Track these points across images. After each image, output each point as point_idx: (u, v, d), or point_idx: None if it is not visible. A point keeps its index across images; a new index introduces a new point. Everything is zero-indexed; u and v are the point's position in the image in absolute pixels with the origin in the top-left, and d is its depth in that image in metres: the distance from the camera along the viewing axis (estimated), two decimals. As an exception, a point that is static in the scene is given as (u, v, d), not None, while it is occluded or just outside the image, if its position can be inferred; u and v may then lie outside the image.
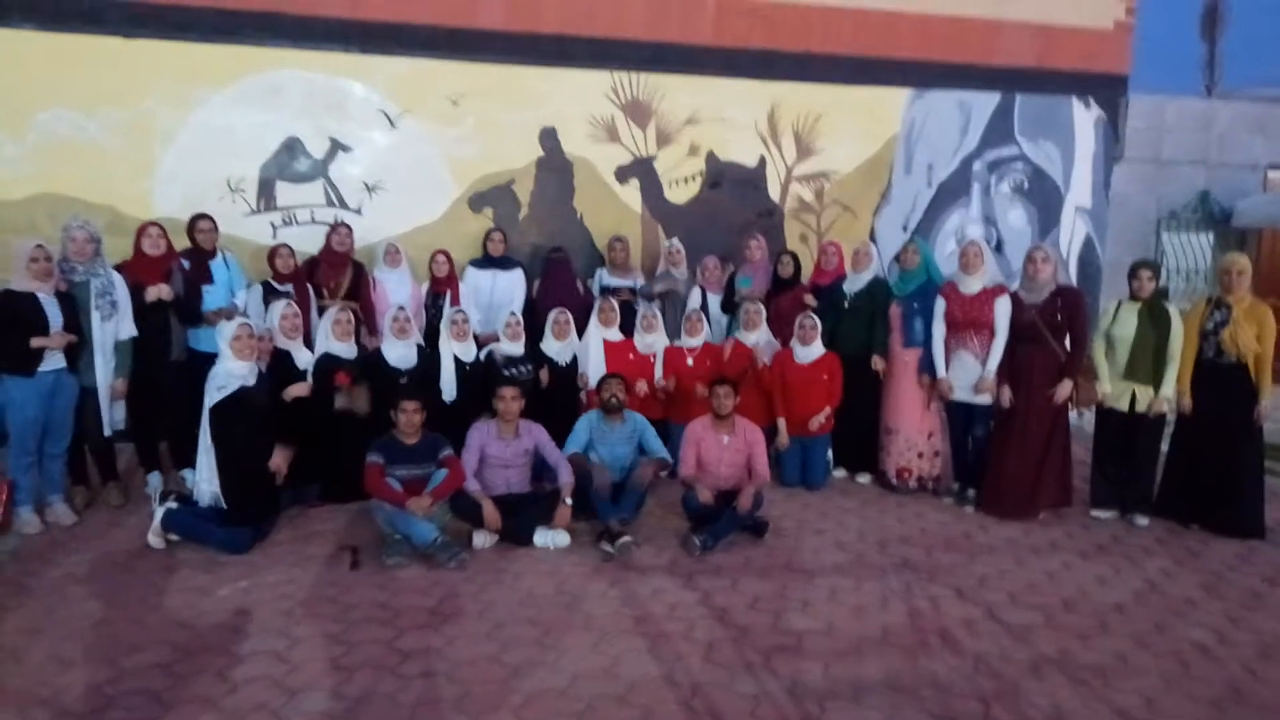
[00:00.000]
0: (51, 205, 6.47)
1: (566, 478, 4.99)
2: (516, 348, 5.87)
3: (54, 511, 4.94)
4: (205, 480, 4.72)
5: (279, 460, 4.90)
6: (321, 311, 5.89)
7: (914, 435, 5.85)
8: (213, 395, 4.69)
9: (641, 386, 6.01)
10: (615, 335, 6.24)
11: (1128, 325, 5.22)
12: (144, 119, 6.69)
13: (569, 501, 4.89)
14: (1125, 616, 4.05)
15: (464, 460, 4.90)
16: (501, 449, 5.04)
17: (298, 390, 5.18)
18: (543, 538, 4.77)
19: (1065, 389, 5.26)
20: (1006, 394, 5.32)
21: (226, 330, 4.78)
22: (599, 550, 4.70)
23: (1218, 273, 5.24)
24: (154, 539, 4.61)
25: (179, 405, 5.26)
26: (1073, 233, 8.66)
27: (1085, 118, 8.54)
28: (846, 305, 6.00)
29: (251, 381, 4.84)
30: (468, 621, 3.85)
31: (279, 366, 5.23)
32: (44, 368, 4.73)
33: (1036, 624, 3.95)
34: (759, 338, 6.15)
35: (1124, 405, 5.29)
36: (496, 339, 5.99)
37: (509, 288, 6.70)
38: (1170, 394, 5.20)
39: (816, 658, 3.58)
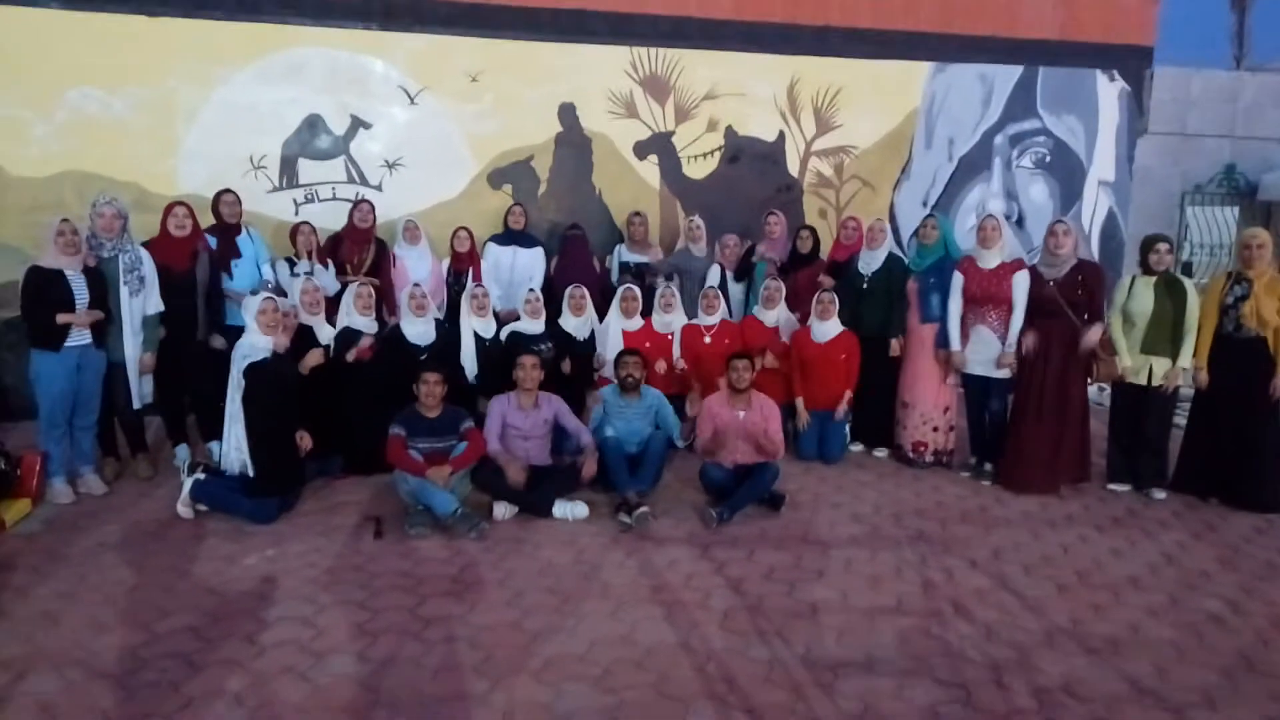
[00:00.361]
0: (79, 182, 6.58)
1: (588, 439, 5.13)
2: (537, 325, 5.92)
3: (85, 482, 5.07)
4: (234, 449, 4.82)
5: (305, 440, 4.98)
6: (343, 287, 5.97)
7: (929, 410, 5.87)
8: (239, 365, 4.79)
9: (660, 365, 6.06)
10: (636, 324, 6.26)
11: (1144, 300, 5.21)
12: (168, 97, 6.78)
13: (595, 455, 5.03)
14: (1139, 588, 4.08)
15: (486, 428, 4.98)
16: (521, 419, 5.11)
17: (312, 360, 5.24)
18: (561, 509, 4.85)
19: (1094, 335, 5.24)
20: (1031, 339, 5.29)
21: (252, 304, 4.86)
22: (617, 521, 4.77)
23: (1238, 247, 5.21)
24: (183, 509, 4.72)
25: (205, 380, 5.35)
26: (1095, 207, 8.59)
27: (1109, 90, 8.45)
28: (865, 286, 5.99)
29: (270, 353, 4.91)
30: (488, 590, 3.94)
31: (302, 341, 5.31)
32: (70, 343, 4.83)
33: (1050, 595, 3.98)
34: (778, 315, 6.18)
35: (1142, 379, 5.28)
36: (516, 316, 6.05)
37: (529, 264, 6.76)
38: (1187, 365, 5.19)
39: (830, 627, 3.64)
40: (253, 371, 4.75)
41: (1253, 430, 5.11)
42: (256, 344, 4.83)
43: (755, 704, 3.06)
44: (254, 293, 5.19)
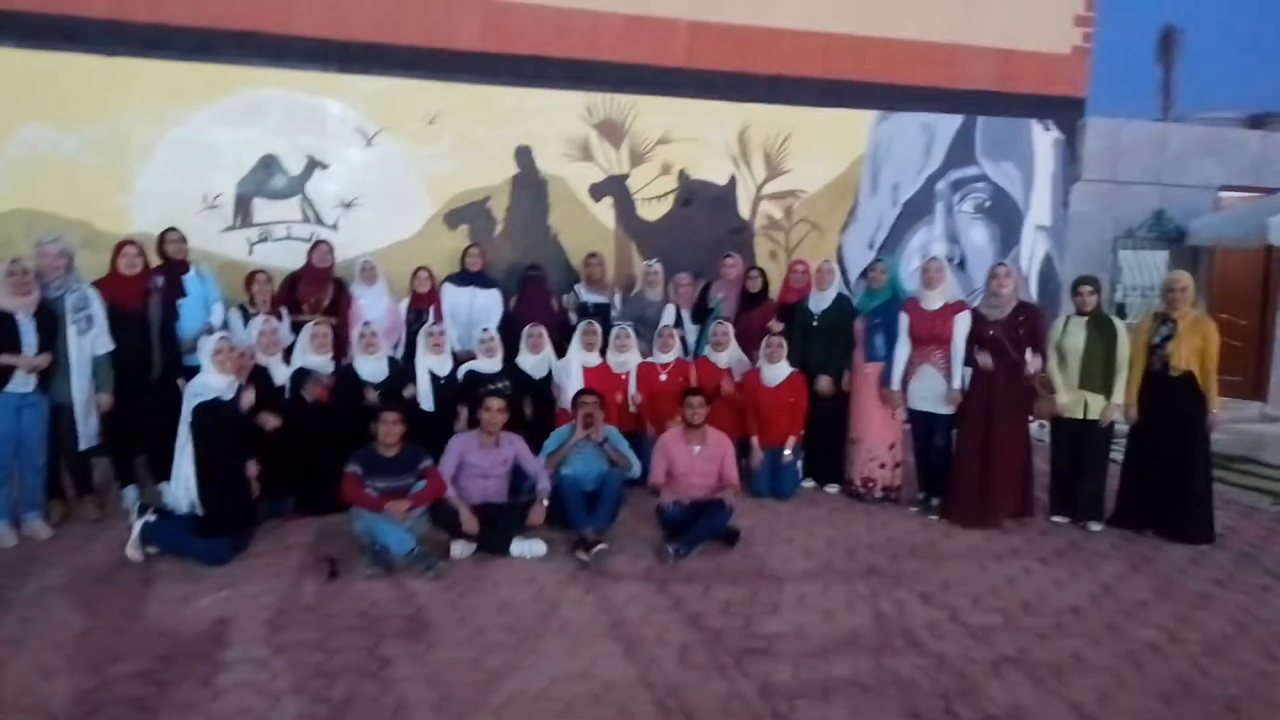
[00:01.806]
0: (28, 221, 6.51)
1: (544, 484, 5.15)
2: (493, 364, 5.96)
3: (29, 526, 4.96)
4: (183, 488, 4.76)
5: (252, 468, 4.96)
6: (298, 327, 5.96)
7: (876, 446, 6.02)
8: (190, 404, 4.76)
9: (618, 397, 6.13)
10: (595, 360, 6.32)
11: (1076, 337, 5.46)
12: (121, 135, 6.76)
13: (545, 502, 5.04)
14: (1081, 617, 4.22)
15: (442, 467, 4.99)
16: (481, 458, 5.13)
17: (270, 423, 5.23)
18: (519, 547, 4.86)
19: (1036, 362, 5.45)
20: (986, 358, 5.45)
21: (208, 344, 4.84)
22: (574, 559, 4.80)
23: (1162, 290, 5.50)
24: (132, 551, 4.64)
25: (159, 419, 5.28)
26: (1033, 250, 8.93)
27: (1044, 139, 8.84)
28: (815, 324, 6.17)
29: (229, 395, 4.90)
30: (446, 628, 3.94)
31: (258, 382, 5.29)
32: (11, 388, 4.73)
33: (997, 625, 4.10)
34: (728, 357, 6.31)
35: (1078, 414, 5.50)
36: (473, 355, 6.09)
37: (487, 305, 6.81)
38: (1120, 400, 5.43)
39: (786, 659, 3.71)
40: (202, 411, 4.72)
41: (1183, 465, 5.33)
42: (210, 383, 4.82)
43: (714, 737, 3.11)
44: (209, 332, 5.16)
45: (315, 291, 6.30)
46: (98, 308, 5.13)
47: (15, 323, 4.72)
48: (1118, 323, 5.48)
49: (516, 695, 3.36)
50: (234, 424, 4.92)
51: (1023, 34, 8.59)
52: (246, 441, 5.00)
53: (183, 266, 5.90)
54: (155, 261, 5.78)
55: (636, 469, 5.54)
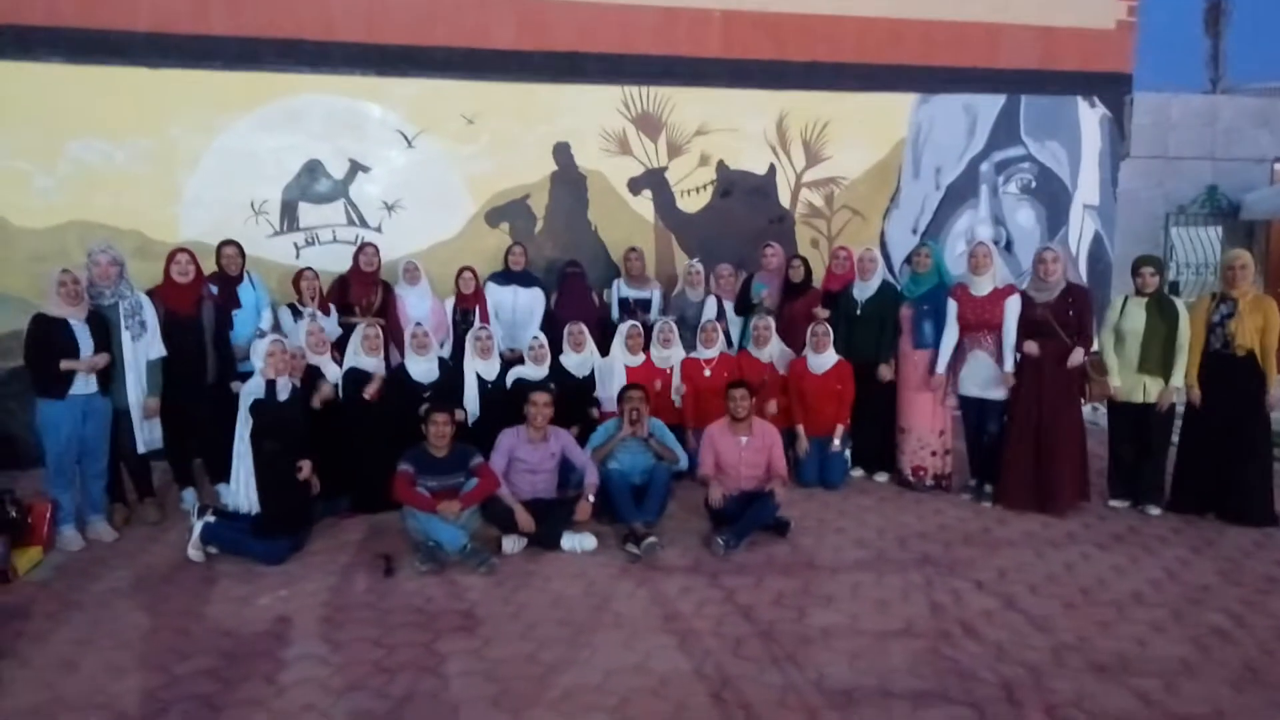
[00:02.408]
0: (82, 232, 6.65)
1: (592, 478, 5.15)
2: (540, 370, 5.98)
3: (94, 529, 5.09)
4: (242, 488, 4.86)
5: (306, 469, 5.02)
6: (346, 328, 6.04)
7: (926, 434, 5.95)
8: (246, 402, 4.85)
9: (657, 384, 6.16)
10: (639, 360, 6.33)
11: (1136, 319, 5.34)
12: (169, 146, 6.89)
13: (591, 499, 5.05)
14: (1142, 604, 4.14)
15: (492, 462, 5.04)
16: (530, 453, 5.17)
17: (324, 393, 5.30)
18: (570, 541, 4.89)
19: (1078, 355, 5.34)
20: (1033, 346, 5.37)
21: (261, 346, 4.93)
22: (624, 552, 4.81)
23: (1221, 268, 5.36)
24: (193, 552, 4.75)
25: (215, 423, 5.39)
26: (1081, 230, 8.74)
27: (1090, 116, 8.63)
28: (859, 313, 6.12)
29: (284, 396, 4.98)
30: (501, 623, 3.97)
31: (310, 381, 5.37)
32: (75, 391, 4.87)
33: (1056, 613, 4.04)
34: (770, 352, 6.27)
35: (1138, 397, 5.39)
36: (520, 356, 6.12)
37: (529, 304, 6.83)
38: (1180, 384, 5.30)
39: (842, 651, 3.69)
40: (259, 408, 4.81)
41: (1244, 446, 5.20)
42: (262, 382, 4.90)
43: (772, 729, 3.10)
44: (260, 336, 5.25)
45: (365, 294, 6.39)
46: (150, 314, 5.24)
47: (70, 328, 4.84)
48: (1179, 304, 5.34)
49: (573, 689, 3.38)
50: (288, 424, 4.99)
51: (1065, 10, 8.39)
52: (301, 441, 5.08)
53: (237, 279, 6.01)
54: (209, 268, 5.89)
55: (684, 461, 5.55)
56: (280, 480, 4.91)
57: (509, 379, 5.96)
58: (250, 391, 4.90)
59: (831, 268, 6.56)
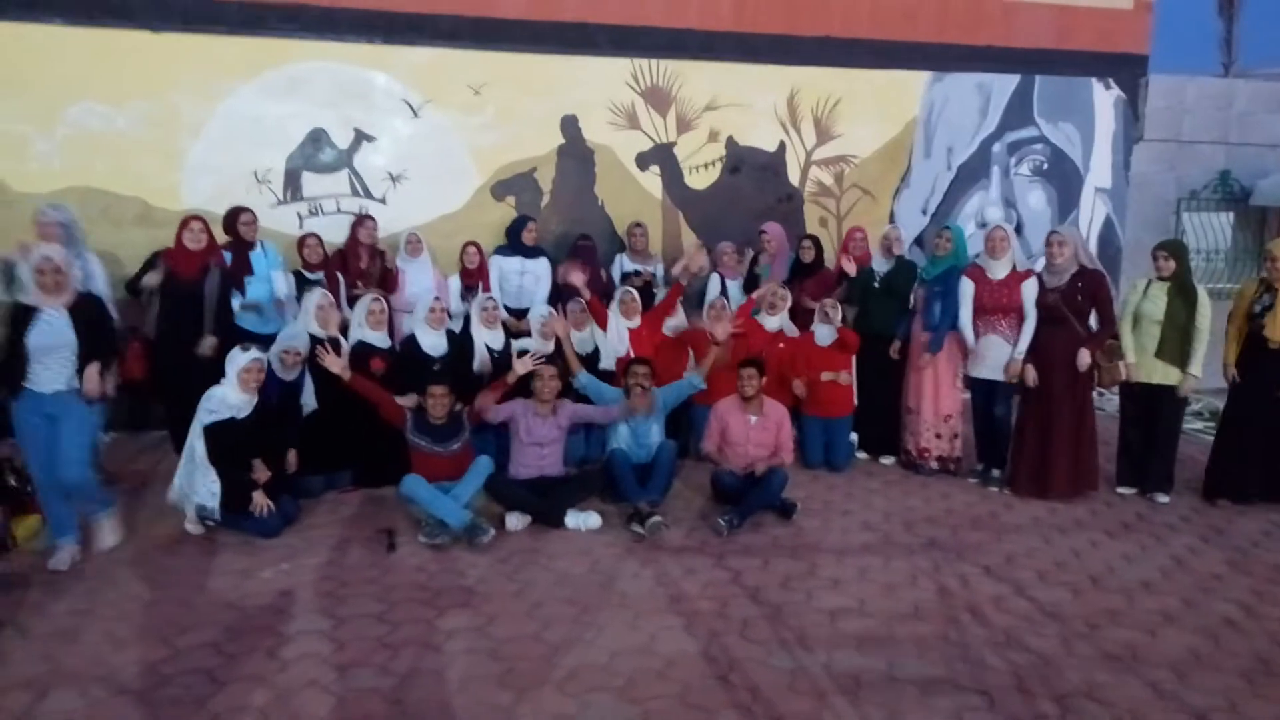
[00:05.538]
0: (83, 197, 6.54)
1: (614, 412, 5.32)
2: (547, 345, 5.91)
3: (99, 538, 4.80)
4: (181, 484, 4.69)
5: (260, 474, 4.79)
6: (352, 301, 5.98)
7: (932, 417, 5.90)
8: (204, 417, 4.67)
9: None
10: (635, 323, 6.27)
11: (1157, 302, 5.28)
12: (172, 111, 6.76)
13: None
14: (1152, 592, 4.11)
15: (497, 410, 5.11)
16: (539, 426, 5.12)
17: (335, 366, 5.21)
18: (574, 519, 4.86)
19: (1084, 358, 5.29)
20: (1031, 374, 5.36)
21: (239, 360, 4.72)
22: (630, 531, 4.77)
23: (1263, 258, 5.29)
24: (191, 526, 4.71)
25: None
26: (1093, 214, 8.65)
27: (1105, 98, 8.52)
28: (876, 285, 6.08)
29: (244, 414, 4.77)
30: (506, 601, 3.94)
31: (313, 361, 5.30)
32: (37, 387, 4.14)
33: (1065, 600, 4.01)
34: (779, 322, 6.20)
35: (1152, 379, 5.34)
36: (525, 329, 6.06)
37: (536, 274, 6.75)
38: (1198, 373, 5.25)
39: (850, 634, 3.66)
40: (212, 433, 4.65)
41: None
42: (228, 398, 4.72)
43: (780, 713, 3.07)
44: (244, 349, 4.82)
45: (368, 265, 6.30)
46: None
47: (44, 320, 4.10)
48: (1201, 292, 5.27)
49: (578, 669, 3.34)
50: (247, 441, 4.78)
51: (1082, -11, 8.28)
52: (261, 451, 4.88)
53: (251, 244, 5.94)
54: (221, 238, 5.81)
55: (698, 381, 5.57)
56: (240, 486, 4.70)
57: (514, 349, 5.91)
58: (210, 408, 4.66)
59: (848, 248, 6.42)
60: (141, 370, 5.47)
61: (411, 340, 5.66)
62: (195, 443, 4.68)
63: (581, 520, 4.86)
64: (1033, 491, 5.42)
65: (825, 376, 5.94)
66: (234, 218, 5.94)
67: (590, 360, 6.13)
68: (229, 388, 4.74)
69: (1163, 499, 5.40)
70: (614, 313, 6.28)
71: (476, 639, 3.58)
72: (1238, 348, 5.28)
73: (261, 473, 4.81)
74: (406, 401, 5.20)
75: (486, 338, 5.85)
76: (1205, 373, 5.35)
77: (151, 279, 5.47)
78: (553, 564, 4.38)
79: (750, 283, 6.73)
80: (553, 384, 5.14)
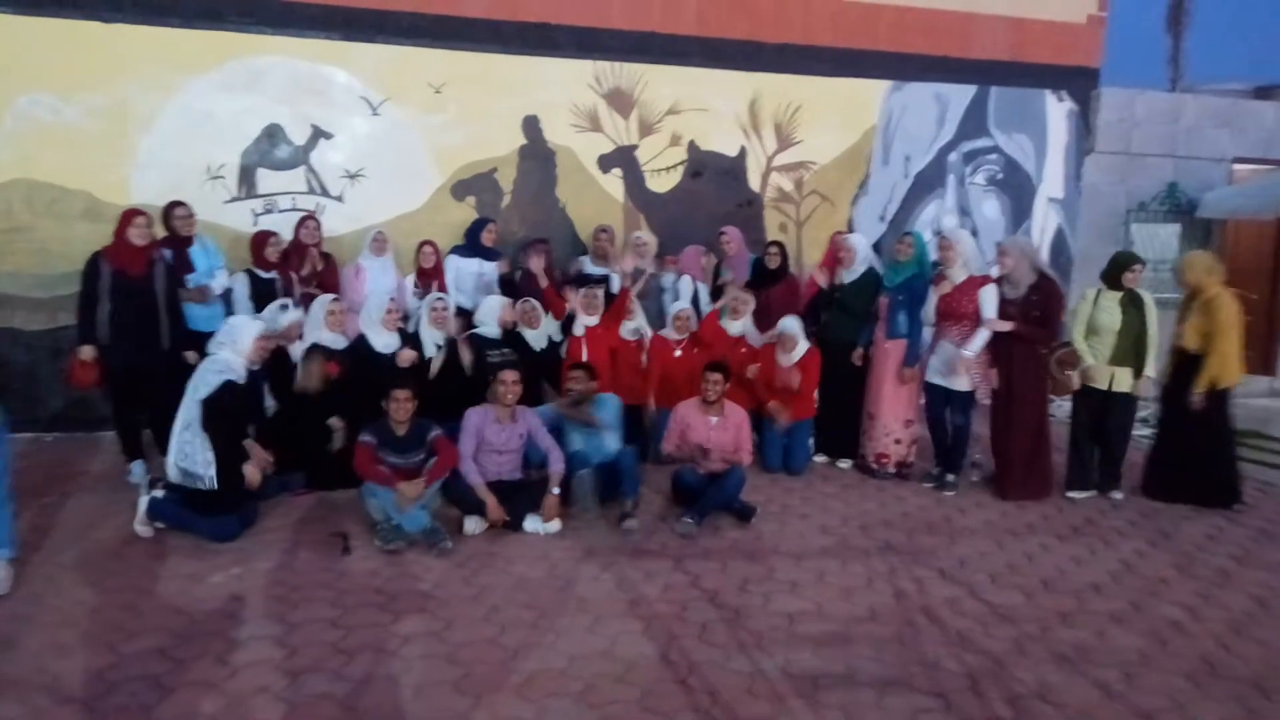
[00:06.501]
0: (28, 191, 6.39)
1: (557, 466, 5.00)
2: (496, 330, 5.90)
3: None
4: (175, 460, 4.63)
5: (253, 471, 4.74)
6: (306, 300, 5.87)
7: (892, 422, 5.96)
8: (211, 380, 4.64)
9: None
10: (594, 321, 6.22)
11: (1112, 314, 5.47)
12: (123, 104, 6.60)
13: (556, 491, 4.92)
14: (1102, 595, 4.19)
15: (462, 445, 4.91)
16: (497, 433, 5.04)
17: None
18: (533, 523, 4.81)
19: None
20: (994, 376, 5.48)
21: (251, 330, 4.82)
22: (622, 530, 4.78)
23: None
24: (140, 528, 4.59)
25: (168, 393, 5.17)
26: (1045, 223, 8.83)
27: (1058, 110, 8.71)
28: (838, 295, 6.12)
29: (242, 378, 4.80)
30: (463, 605, 3.89)
31: (276, 359, 5.22)
32: None
33: (1018, 604, 4.07)
34: (743, 326, 6.23)
35: (1105, 385, 5.53)
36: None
37: (494, 275, 6.70)
38: (1153, 374, 5.50)
39: (807, 637, 3.67)
40: (211, 402, 4.61)
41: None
42: (233, 364, 4.73)
43: (739, 716, 3.07)
44: (202, 298, 4.91)
45: (303, 264, 6.19)
46: None
47: None
48: (1147, 298, 5.52)
49: (537, 674, 3.32)
50: (245, 407, 4.87)
51: (1037, 2, 8.44)
52: (258, 423, 4.98)
53: (188, 240, 5.80)
54: (162, 233, 5.68)
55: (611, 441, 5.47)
56: (238, 456, 4.73)
57: (461, 337, 5.88)
58: (219, 368, 4.69)
59: (835, 256, 6.39)
60: (93, 378, 5.28)
61: (362, 341, 5.59)
62: (188, 403, 4.63)
63: (540, 524, 4.83)
64: (1024, 495, 5.57)
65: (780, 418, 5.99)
66: (169, 212, 5.80)
67: (542, 360, 6.13)
68: (234, 356, 4.73)
69: (1118, 495, 5.64)
70: (576, 308, 6.26)
71: (433, 644, 3.53)
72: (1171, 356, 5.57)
73: (259, 454, 4.79)
74: (334, 424, 5.23)
75: (436, 338, 5.80)
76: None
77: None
78: (510, 568, 4.34)
79: (716, 292, 6.76)
80: (515, 389, 5.06)
